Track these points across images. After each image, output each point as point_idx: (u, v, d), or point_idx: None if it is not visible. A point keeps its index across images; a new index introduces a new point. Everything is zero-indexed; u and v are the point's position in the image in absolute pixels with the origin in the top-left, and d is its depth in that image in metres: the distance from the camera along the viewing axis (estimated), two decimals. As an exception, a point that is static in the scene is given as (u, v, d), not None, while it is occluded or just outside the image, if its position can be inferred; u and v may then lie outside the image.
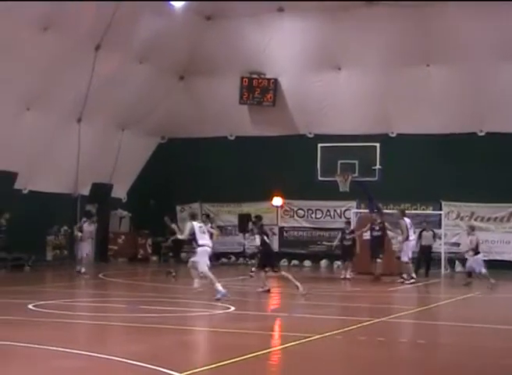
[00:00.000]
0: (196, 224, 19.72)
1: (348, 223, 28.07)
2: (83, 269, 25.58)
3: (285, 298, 20.64)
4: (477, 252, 24.01)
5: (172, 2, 30.22)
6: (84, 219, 27.08)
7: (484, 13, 29.46)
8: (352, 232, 26.89)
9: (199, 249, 19.40)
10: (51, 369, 10.19)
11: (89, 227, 26.50)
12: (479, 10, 29.43)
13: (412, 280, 24.91)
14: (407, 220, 25.87)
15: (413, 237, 26.02)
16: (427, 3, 29.71)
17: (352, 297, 21.80)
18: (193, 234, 19.51)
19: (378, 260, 26.34)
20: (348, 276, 26.16)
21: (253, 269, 25.00)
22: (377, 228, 26.70)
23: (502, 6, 29.03)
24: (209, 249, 19.50)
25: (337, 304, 19.78)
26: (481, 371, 10.87)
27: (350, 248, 26.48)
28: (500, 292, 23.18)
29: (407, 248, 25.45)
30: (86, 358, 10.76)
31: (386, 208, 30.68)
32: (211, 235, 21.40)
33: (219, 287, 18.45)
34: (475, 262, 23.82)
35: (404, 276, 25.37)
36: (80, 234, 26.24)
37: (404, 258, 25.35)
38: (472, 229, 25.03)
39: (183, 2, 30.37)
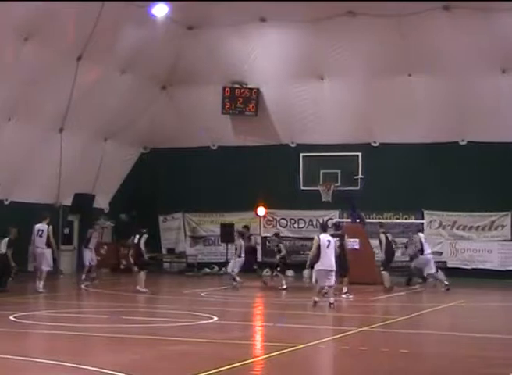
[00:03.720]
0: (37, 227, 23.45)
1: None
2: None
3: (269, 308, 20.61)
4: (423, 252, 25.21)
5: (154, 10, 30.09)
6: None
7: (465, 24, 29.60)
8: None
9: None
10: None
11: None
12: (460, 21, 29.59)
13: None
14: (421, 235, 26.64)
15: (429, 251, 26.34)
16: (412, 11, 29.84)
17: (336, 306, 21.76)
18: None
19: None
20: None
21: None
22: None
23: (482, 17, 29.25)
24: (38, 250, 23.42)
25: (321, 313, 19.76)
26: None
27: None
28: (482, 301, 23.27)
29: (428, 261, 25.92)
30: (67, 369, 10.69)
31: (369, 218, 30.82)
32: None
33: None
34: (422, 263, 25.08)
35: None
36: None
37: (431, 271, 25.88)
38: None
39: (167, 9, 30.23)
